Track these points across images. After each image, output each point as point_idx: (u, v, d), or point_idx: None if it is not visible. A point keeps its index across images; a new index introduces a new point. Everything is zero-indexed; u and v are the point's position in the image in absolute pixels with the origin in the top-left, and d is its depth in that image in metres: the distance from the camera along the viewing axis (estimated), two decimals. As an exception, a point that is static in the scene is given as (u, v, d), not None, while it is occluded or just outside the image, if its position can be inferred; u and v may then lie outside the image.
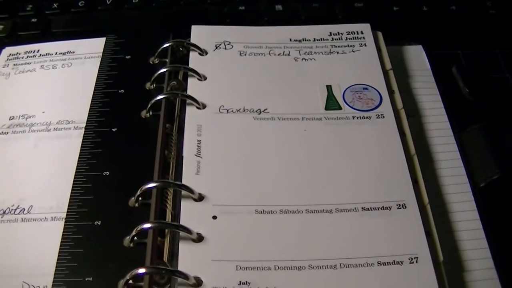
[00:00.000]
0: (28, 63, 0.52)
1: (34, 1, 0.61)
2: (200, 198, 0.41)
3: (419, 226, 0.40)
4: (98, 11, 0.60)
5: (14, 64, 0.52)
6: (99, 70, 0.50)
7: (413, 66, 0.52)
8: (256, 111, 0.46)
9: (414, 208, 0.41)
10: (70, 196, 0.41)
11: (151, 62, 0.51)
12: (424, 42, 0.54)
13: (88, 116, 0.46)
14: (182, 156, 0.43)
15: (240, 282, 0.37)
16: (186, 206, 0.41)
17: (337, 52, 0.51)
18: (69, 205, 0.41)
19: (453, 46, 0.54)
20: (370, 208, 0.41)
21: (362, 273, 0.38)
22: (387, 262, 0.38)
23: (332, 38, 0.52)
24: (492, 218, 0.42)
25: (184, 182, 0.41)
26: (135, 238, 0.39)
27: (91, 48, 0.53)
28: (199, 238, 0.39)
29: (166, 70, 0.48)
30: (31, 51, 0.53)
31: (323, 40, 0.52)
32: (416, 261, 0.38)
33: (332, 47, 0.51)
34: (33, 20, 0.59)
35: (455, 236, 0.41)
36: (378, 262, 0.38)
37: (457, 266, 0.40)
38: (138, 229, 0.38)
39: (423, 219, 0.40)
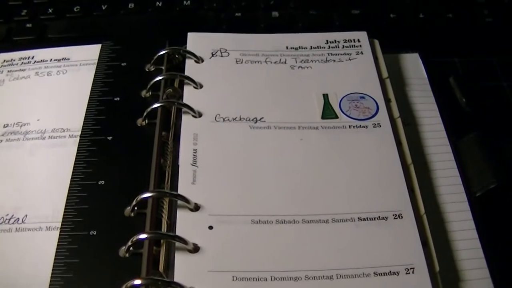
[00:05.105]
0: (22, 70, 0.52)
1: (29, 6, 0.60)
2: (196, 208, 0.41)
3: (415, 236, 0.40)
4: (94, 16, 0.59)
5: (8, 71, 0.52)
6: (94, 77, 0.50)
7: (410, 75, 0.52)
8: (252, 120, 0.46)
9: (411, 218, 0.40)
10: (65, 205, 0.41)
11: (147, 70, 0.50)
12: (421, 50, 0.54)
13: (83, 124, 0.46)
14: (178, 165, 0.43)
15: (236, 293, 0.37)
16: (182, 216, 0.40)
17: (334, 60, 0.51)
18: (64, 215, 0.41)
19: (450, 54, 0.54)
20: (367, 218, 0.41)
21: (359, 283, 0.37)
22: (384, 273, 0.38)
23: (329, 46, 0.52)
24: (489, 227, 0.42)
25: (180, 191, 0.41)
26: (131, 248, 0.38)
27: (87, 55, 0.52)
28: (195, 249, 0.39)
29: (162, 78, 0.48)
30: (26, 58, 0.53)
31: (320, 48, 0.52)
32: (413, 272, 0.38)
33: (328, 55, 0.51)
34: (28, 25, 0.58)
35: (451, 245, 0.41)
36: (374, 273, 0.38)
37: (453, 276, 0.40)
38: (134, 239, 0.38)
39: (419, 229, 0.40)
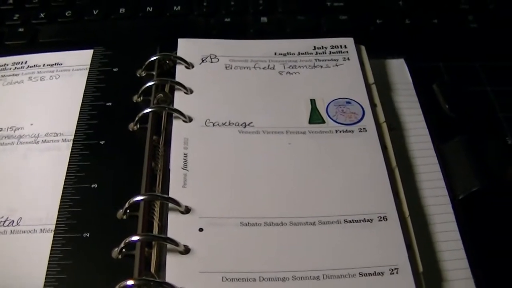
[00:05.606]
0: (16, 75, 0.52)
1: (21, 11, 0.61)
2: (187, 210, 0.42)
3: (399, 238, 0.40)
4: (85, 21, 0.60)
5: (1, 75, 0.52)
6: (87, 83, 0.50)
7: (395, 80, 0.53)
8: (242, 125, 0.47)
9: (395, 220, 0.41)
10: (59, 208, 0.42)
11: (139, 75, 0.51)
12: (406, 55, 0.54)
13: (76, 128, 0.47)
14: (169, 169, 0.44)
15: (226, 293, 0.38)
16: (173, 219, 0.41)
17: (321, 66, 0.51)
18: (58, 217, 0.41)
19: (435, 59, 0.55)
20: (352, 220, 0.41)
21: (345, 284, 0.38)
22: (369, 273, 0.39)
23: (316, 52, 0.53)
24: (471, 229, 0.43)
25: (171, 195, 0.42)
26: (124, 250, 0.39)
27: (79, 60, 0.53)
28: (186, 250, 0.39)
29: (153, 84, 0.49)
30: (19, 62, 0.54)
31: (308, 54, 0.53)
32: (397, 272, 0.39)
33: (316, 61, 0.52)
34: (20, 29, 0.59)
35: (435, 247, 0.42)
36: (360, 273, 0.39)
37: (437, 276, 0.40)
38: (126, 241, 0.39)
39: (404, 231, 0.41)
